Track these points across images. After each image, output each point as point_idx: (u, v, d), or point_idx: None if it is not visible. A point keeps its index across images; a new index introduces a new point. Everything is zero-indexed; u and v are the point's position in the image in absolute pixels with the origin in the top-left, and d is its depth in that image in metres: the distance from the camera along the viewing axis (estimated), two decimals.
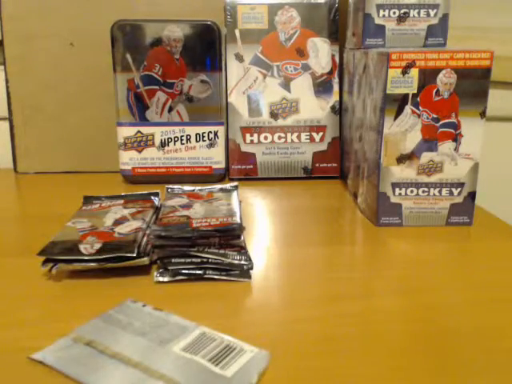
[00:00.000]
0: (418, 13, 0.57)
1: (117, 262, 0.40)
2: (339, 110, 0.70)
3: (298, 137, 0.70)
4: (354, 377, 0.29)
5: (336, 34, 0.69)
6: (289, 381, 0.29)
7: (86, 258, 0.40)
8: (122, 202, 0.51)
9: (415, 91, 0.49)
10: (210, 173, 0.67)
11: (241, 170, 0.70)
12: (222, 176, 0.68)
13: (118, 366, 0.29)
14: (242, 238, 0.43)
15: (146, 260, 0.41)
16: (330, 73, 0.69)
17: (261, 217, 0.56)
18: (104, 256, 0.40)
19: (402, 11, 0.57)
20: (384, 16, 0.57)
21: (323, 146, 0.70)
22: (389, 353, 0.31)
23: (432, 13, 0.57)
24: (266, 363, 0.30)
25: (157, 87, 0.65)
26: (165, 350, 0.30)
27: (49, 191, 0.65)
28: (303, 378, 0.29)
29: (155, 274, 0.41)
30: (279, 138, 0.69)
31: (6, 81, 0.70)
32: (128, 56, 0.64)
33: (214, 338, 0.31)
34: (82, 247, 0.41)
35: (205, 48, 0.64)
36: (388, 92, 0.49)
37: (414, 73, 0.48)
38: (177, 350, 0.30)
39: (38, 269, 0.41)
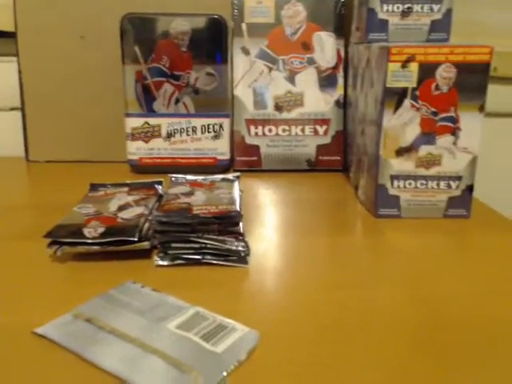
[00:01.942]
0: (422, 8, 0.57)
1: (119, 245, 0.42)
2: (343, 104, 0.70)
3: (302, 130, 0.71)
4: (346, 364, 0.30)
5: (341, 29, 0.70)
6: (277, 361, 0.30)
7: (90, 241, 0.41)
8: (126, 189, 0.53)
9: (415, 85, 0.50)
10: (214, 164, 0.69)
11: (245, 161, 0.71)
12: (226, 167, 0.70)
13: (116, 341, 0.31)
14: (241, 225, 0.45)
15: (146, 244, 0.42)
16: (335, 67, 0.70)
17: (263, 207, 0.57)
18: (106, 239, 0.41)
19: (406, 6, 0.57)
20: (387, 11, 0.57)
21: (327, 139, 0.71)
22: (383, 341, 0.32)
23: (436, 8, 0.57)
24: (255, 342, 0.31)
25: (164, 79, 0.66)
26: (160, 327, 0.32)
27: (58, 179, 0.67)
28: (291, 359, 0.30)
29: (155, 258, 0.42)
30: (283, 130, 0.70)
31: (19, 72, 0.72)
32: (136, 48, 0.65)
33: (207, 318, 0.33)
34: (85, 231, 0.42)
35: (211, 41, 0.66)
36: (388, 85, 0.50)
37: (414, 67, 0.49)
38: (171, 328, 0.32)
39: (44, 251, 0.43)
